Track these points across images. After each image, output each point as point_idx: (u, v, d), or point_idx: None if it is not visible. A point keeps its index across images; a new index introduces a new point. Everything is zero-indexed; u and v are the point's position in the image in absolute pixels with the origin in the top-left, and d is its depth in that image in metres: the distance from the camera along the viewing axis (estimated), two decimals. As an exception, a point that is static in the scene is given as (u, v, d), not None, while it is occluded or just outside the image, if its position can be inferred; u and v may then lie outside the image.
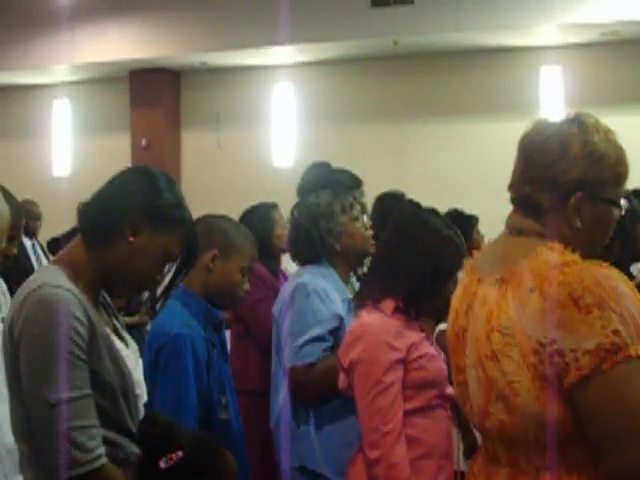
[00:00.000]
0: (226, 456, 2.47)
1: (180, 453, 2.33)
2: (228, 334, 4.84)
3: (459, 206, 6.83)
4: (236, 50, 10.99)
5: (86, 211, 2.45)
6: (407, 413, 2.96)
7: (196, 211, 3.92)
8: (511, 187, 2.29)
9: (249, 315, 4.69)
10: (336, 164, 4.59)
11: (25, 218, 9.52)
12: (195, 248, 2.55)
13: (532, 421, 2.07)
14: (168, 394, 3.00)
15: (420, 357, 2.99)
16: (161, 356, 3.04)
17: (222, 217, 3.44)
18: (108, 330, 2.40)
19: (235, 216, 5.14)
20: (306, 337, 3.40)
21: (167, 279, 2.61)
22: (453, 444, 3.17)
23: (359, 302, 3.17)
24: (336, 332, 3.44)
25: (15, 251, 3.46)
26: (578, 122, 2.21)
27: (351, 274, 3.77)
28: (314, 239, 3.60)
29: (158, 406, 2.96)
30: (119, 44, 11.45)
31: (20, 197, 9.19)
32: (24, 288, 2.33)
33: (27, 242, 8.62)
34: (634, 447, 1.94)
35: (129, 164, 10.97)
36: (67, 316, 2.23)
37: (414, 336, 3.02)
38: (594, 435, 2.00)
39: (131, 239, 2.39)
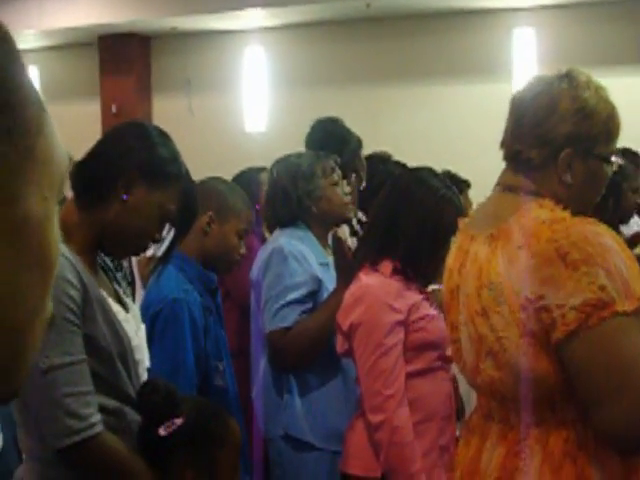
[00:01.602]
0: (229, 423, 2.42)
1: (180, 420, 2.27)
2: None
3: (437, 169, 6.81)
4: (207, 14, 10.86)
5: (78, 170, 2.37)
6: (408, 376, 2.95)
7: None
8: (502, 144, 2.28)
9: (227, 278, 4.68)
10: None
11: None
12: (193, 204, 2.47)
13: (520, 377, 2.08)
14: (165, 360, 2.94)
15: (420, 318, 2.98)
16: (158, 322, 2.98)
17: (217, 179, 3.39)
18: (104, 293, 2.32)
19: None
20: (283, 301, 3.37)
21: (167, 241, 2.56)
22: (454, 405, 3.17)
23: (355, 263, 3.15)
24: (314, 295, 3.42)
25: None
26: (569, 78, 2.19)
27: (335, 234, 3.75)
28: (291, 199, 3.56)
29: (155, 372, 2.91)
30: (88, 9, 11.29)
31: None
32: None
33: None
34: (620, 401, 1.93)
35: (99, 131, 10.87)
36: (57, 280, 2.07)
37: (414, 297, 3.00)
38: (582, 390, 2.00)
39: (125, 197, 2.31)
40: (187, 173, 2.46)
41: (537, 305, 2.00)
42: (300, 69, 11.27)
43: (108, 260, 2.53)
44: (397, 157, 5.85)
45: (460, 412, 3.83)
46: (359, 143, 4.50)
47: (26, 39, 12.16)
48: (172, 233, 2.50)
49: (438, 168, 6.73)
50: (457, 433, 3.07)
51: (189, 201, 2.45)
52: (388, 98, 10.85)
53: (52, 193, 0.69)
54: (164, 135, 2.45)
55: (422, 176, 3.15)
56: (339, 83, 11.09)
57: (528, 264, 2.02)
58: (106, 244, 2.37)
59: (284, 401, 3.47)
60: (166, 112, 12.31)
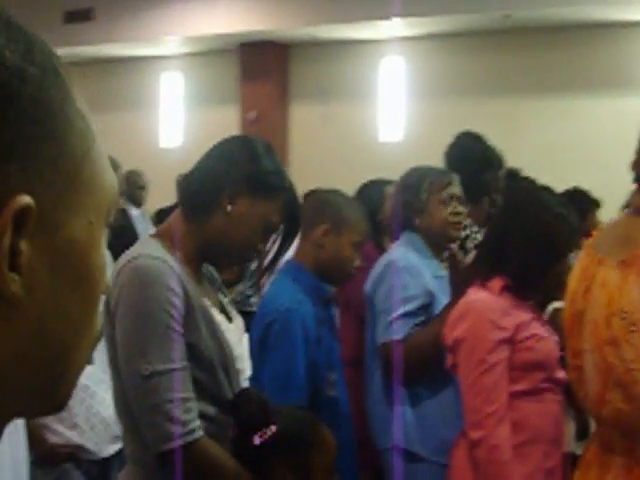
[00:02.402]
0: (323, 431, 2.43)
1: (273, 428, 2.31)
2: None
3: (572, 184, 6.67)
4: (345, 23, 10.92)
5: (185, 183, 2.43)
6: (513, 395, 2.90)
7: (302, 184, 3.94)
8: (634, 165, 2.21)
9: (348, 288, 4.69)
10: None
11: (131, 188, 9.69)
12: (297, 216, 2.49)
13: None
14: (277, 370, 2.99)
15: (528, 338, 2.92)
16: (271, 331, 3.02)
17: (334, 192, 3.41)
18: (207, 302, 2.35)
19: (341, 189, 5.14)
20: (395, 314, 3.39)
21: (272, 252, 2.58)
22: (563, 429, 3.10)
23: (468, 279, 3.12)
24: (427, 308, 3.42)
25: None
26: None
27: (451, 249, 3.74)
28: (398, 209, 3.59)
29: (267, 381, 2.98)
30: (229, 17, 11.49)
31: (128, 167, 9.38)
32: (121, 259, 2.31)
33: (134, 212, 8.75)
34: None
35: (238, 137, 10.86)
36: (161, 287, 2.20)
37: (523, 316, 2.95)
38: None
39: (229, 208, 2.35)
40: (291, 185, 2.48)
41: None
42: (438, 80, 11.23)
43: (214, 271, 2.56)
44: (532, 171, 5.74)
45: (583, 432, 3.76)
46: (499, 164, 4.42)
47: (169, 45, 12.46)
48: (278, 242, 2.51)
49: (572, 183, 6.65)
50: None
51: (293, 213, 2.48)
52: (525, 110, 10.71)
53: (98, 218, 0.71)
54: (269, 148, 2.47)
55: (536, 193, 3.10)
56: (476, 94, 11.01)
57: None
58: (211, 254, 2.42)
59: (395, 413, 3.47)
60: (302, 120, 12.43)
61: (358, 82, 11.85)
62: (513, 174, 5.50)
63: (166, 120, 13.23)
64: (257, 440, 2.28)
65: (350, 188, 5.08)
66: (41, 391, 0.70)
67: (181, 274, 2.26)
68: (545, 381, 2.96)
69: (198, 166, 2.43)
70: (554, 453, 2.97)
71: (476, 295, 2.99)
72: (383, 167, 6.29)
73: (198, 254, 2.39)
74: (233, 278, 5.01)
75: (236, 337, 2.45)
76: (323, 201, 3.29)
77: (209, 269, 2.54)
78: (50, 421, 3.35)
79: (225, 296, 2.57)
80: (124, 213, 8.42)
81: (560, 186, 4.47)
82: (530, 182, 4.68)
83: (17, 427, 2.55)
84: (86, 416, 3.36)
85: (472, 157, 4.18)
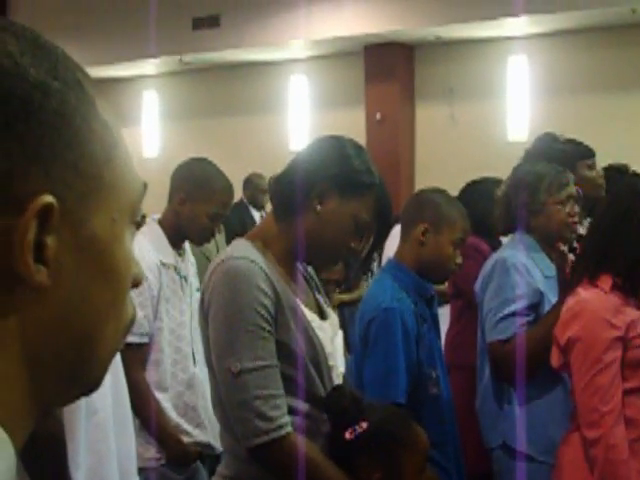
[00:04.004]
0: (415, 431, 2.43)
1: (365, 424, 2.33)
2: (448, 308, 4.86)
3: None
4: (470, 23, 10.89)
5: (276, 184, 2.48)
6: (625, 393, 2.88)
7: (428, 184, 3.96)
8: None
9: (469, 290, 4.68)
10: (569, 136, 4.51)
11: (253, 191, 9.87)
12: (388, 214, 2.52)
13: None
14: (377, 367, 3.02)
15: (638, 335, 2.90)
16: (371, 329, 3.05)
17: (435, 191, 3.41)
18: (298, 301, 2.39)
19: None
20: (502, 313, 3.37)
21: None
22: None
23: (575, 278, 3.09)
24: (536, 308, 3.39)
25: (220, 229, 3.59)
26: None
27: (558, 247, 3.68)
28: (511, 208, 3.55)
29: (368, 379, 3.02)
30: (354, 19, 11.58)
31: (256, 170, 9.52)
32: (214, 261, 2.39)
33: (255, 214, 8.89)
34: None
35: (363, 138, 11.10)
36: (250, 288, 2.25)
37: (632, 313, 2.92)
38: None
39: (318, 208, 2.38)
40: (381, 183, 2.50)
41: None
42: (563, 77, 11.08)
43: (311, 269, 2.61)
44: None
45: None
46: (587, 155, 4.34)
47: (295, 49, 12.62)
48: (370, 241, 2.54)
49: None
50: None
51: (384, 211, 2.50)
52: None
53: (122, 215, 0.79)
54: (358, 147, 2.50)
55: None
56: (601, 91, 10.82)
57: None
58: (303, 254, 2.45)
59: (504, 411, 3.47)
60: (428, 120, 12.43)
61: (484, 81, 11.78)
62: (622, 170, 5.40)
63: (293, 123, 13.40)
64: (348, 435, 2.32)
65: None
66: (71, 373, 0.78)
67: (271, 274, 2.31)
68: None
69: (289, 167, 2.47)
70: None
71: (587, 293, 2.96)
72: (511, 167, 6.21)
73: (290, 254, 2.43)
74: (338, 278, 5.03)
75: (329, 334, 2.49)
76: (423, 200, 3.30)
77: (306, 267, 2.59)
78: (182, 422, 3.47)
79: (321, 294, 2.62)
80: (247, 212, 8.59)
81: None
82: (636, 178, 4.58)
83: (126, 425, 2.65)
84: (206, 414, 3.47)
85: (553, 156, 4.11)
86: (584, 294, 2.97)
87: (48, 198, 0.70)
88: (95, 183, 0.75)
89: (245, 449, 2.29)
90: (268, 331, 2.27)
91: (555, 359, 3.07)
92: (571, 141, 4.39)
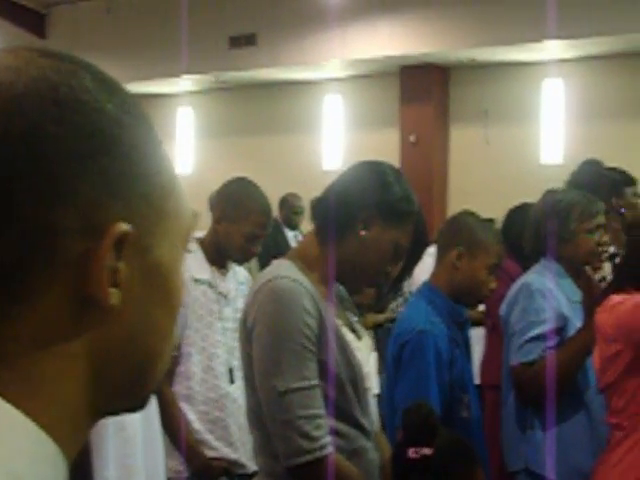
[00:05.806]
0: (476, 467, 2.42)
1: (429, 450, 2.30)
2: (480, 330, 4.87)
3: None
4: (505, 46, 10.90)
5: (319, 207, 2.52)
6: None
7: (462, 206, 3.98)
8: None
9: (494, 310, 4.70)
10: (605, 162, 4.53)
11: (287, 211, 9.86)
12: (424, 240, 2.58)
13: None
14: (409, 389, 3.03)
15: None
16: (404, 352, 3.08)
17: (471, 215, 3.43)
18: (339, 322, 2.44)
19: (501, 213, 5.13)
20: (527, 336, 3.38)
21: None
22: None
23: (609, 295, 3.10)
24: (560, 332, 3.40)
25: (258, 249, 3.61)
26: None
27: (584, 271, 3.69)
28: (539, 234, 3.55)
29: (399, 400, 3.02)
30: (389, 40, 11.61)
31: (291, 190, 9.53)
32: (259, 280, 2.43)
33: (289, 234, 8.89)
34: None
35: (397, 160, 11.12)
36: (297, 308, 2.30)
37: None
38: None
39: (362, 233, 2.43)
40: (419, 209, 2.55)
41: None
42: (598, 101, 11.06)
43: (343, 289, 2.64)
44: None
45: None
46: (629, 183, 4.40)
47: (330, 69, 12.66)
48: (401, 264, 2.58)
49: None
50: None
51: (419, 236, 2.57)
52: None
53: (180, 242, 0.84)
54: (398, 173, 2.56)
55: None
56: (636, 115, 10.78)
57: None
58: (342, 277, 2.50)
59: (526, 435, 3.47)
60: (463, 142, 12.43)
61: (518, 104, 11.77)
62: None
63: (327, 143, 13.43)
64: (411, 454, 2.31)
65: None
66: (129, 390, 0.82)
67: (315, 295, 2.35)
68: None
69: (331, 191, 2.52)
70: None
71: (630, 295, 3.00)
72: (544, 190, 6.21)
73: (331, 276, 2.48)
74: (369, 301, 5.04)
75: (365, 355, 2.54)
76: (458, 224, 3.32)
77: (339, 288, 2.62)
78: (209, 439, 3.49)
79: (355, 315, 2.66)
80: (280, 231, 8.60)
81: None
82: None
83: (155, 441, 2.68)
84: (239, 434, 3.49)
85: (600, 183, 4.12)
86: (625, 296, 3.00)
87: (125, 226, 0.74)
88: (163, 213, 0.80)
89: (285, 468, 2.32)
90: (312, 351, 2.32)
91: (600, 380, 3.09)
92: (613, 169, 4.45)
